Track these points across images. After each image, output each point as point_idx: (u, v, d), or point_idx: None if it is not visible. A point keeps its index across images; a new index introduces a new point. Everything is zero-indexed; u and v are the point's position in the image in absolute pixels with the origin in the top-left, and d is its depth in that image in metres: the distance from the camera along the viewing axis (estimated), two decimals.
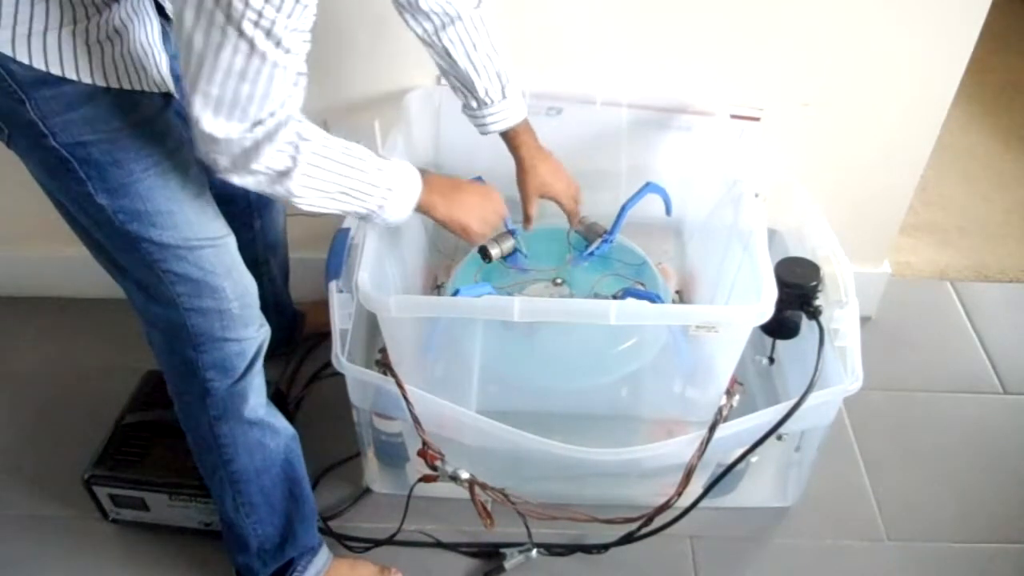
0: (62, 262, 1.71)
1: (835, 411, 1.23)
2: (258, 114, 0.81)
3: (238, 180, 0.86)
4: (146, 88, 0.89)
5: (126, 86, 0.87)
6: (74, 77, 0.82)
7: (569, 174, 1.29)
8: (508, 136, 1.22)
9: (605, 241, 1.37)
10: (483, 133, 1.22)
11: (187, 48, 0.76)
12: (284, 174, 0.86)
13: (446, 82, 1.20)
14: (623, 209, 1.36)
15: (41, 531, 1.37)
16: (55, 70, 0.81)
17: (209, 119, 0.79)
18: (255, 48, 0.75)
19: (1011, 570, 1.34)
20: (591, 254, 1.37)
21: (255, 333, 1.06)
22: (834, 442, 1.47)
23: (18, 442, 1.51)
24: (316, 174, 0.89)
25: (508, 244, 1.34)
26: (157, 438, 1.33)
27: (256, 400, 1.10)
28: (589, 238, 1.39)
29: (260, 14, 0.73)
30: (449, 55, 1.13)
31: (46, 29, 0.80)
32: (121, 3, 0.86)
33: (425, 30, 1.12)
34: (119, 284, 1.01)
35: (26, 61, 0.80)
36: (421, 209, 1.04)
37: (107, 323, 1.71)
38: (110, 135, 0.86)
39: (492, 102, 1.17)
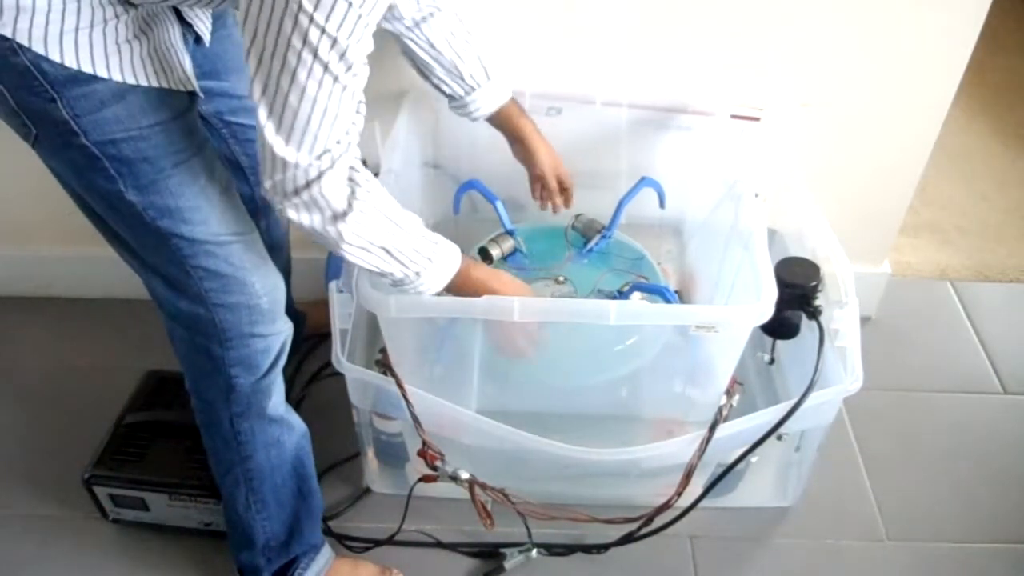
0: (62, 262, 1.71)
1: (835, 411, 1.23)
2: (327, 141, 0.83)
3: (294, 215, 0.87)
4: (173, 86, 0.90)
5: (154, 84, 0.88)
6: (105, 75, 0.83)
7: None
8: (504, 116, 1.25)
9: (603, 237, 1.37)
10: (474, 119, 1.24)
11: (264, 74, 0.78)
12: (340, 216, 0.88)
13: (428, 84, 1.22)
14: (620, 204, 1.37)
15: (41, 531, 1.37)
16: (87, 68, 0.82)
17: (282, 144, 0.81)
18: (329, 71, 0.77)
19: (1011, 570, 1.34)
20: (590, 251, 1.38)
21: (280, 329, 1.07)
22: (834, 442, 1.46)
23: (18, 442, 1.51)
24: (369, 223, 0.90)
25: (508, 244, 1.34)
26: (157, 438, 1.33)
27: (278, 397, 1.11)
28: (587, 235, 1.39)
29: (335, 40, 0.75)
30: (433, 46, 1.16)
31: (78, 28, 0.81)
32: (144, 5, 0.87)
33: (407, 25, 1.14)
34: (144, 280, 1.01)
35: (58, 59, 0.81)
36: (453, 289, 1.04)
37: (107, 323, 1.71)
38: (140, 132, 0.87)
39: (479, 85, 1.20)
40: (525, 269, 1.35)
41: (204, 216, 0.94)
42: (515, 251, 1.35)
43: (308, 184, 0.84)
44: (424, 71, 1.20)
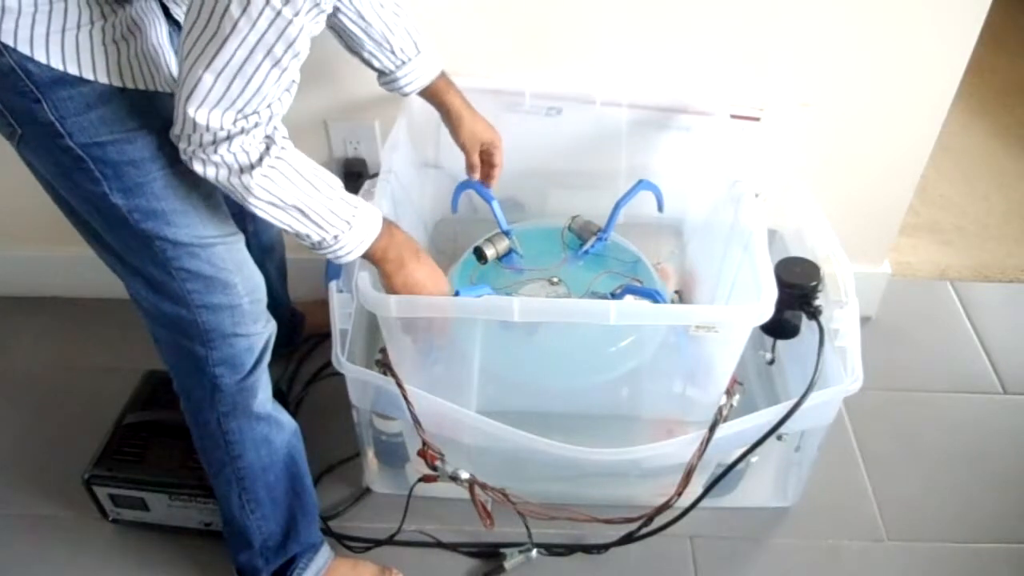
0: (62, 262, 1.71)
1: (835, 411, 1.23)
2: (245, 110, 0.82)
3: (199, 168, 0.86)
4: (159, 88, 0.90)
5: (140, 86, 0.87)
6: (91, 77, 0.83)
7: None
8: (433, 91, 1.23)
9: (599, 239, 1.37)
10: (404, 94, 1.22)
11: (197, 31, 0.76)
12: (246, 169, 0.86)
13: (357, 59, 1.20)
14: (617, 207, 1.36)
15: (41, 531, 1.37)
16: (72, 70, 0.82)
17: (196, 104, 0.80)
18: (263, 44, 0.76)
19: (1011, 570, 1.34)
20: (586, 252, 1.37)
21: (263, 328, 1.07)
22: (834, 442, 1.47)
23: (18, 442, 1.51)
24: (278, 180, 0.88)
25: (503, 244, 1.34)
26: (157, 438, 1.33)
27: (264, 395, 1.11)
28: (583, 237, 1.38)
29: (279, 13, 0.75)
30: (363, 16, 1.12)
31: (64, 29, 0.81)
32: (132, 4, 0.86)
33: None
34: (125, 283, 1.01)
35: (44, 61, 0.80)
36: (371, 256, 1.02)
37: (107, 323, 1.71)
38: (126, 135, 0.87)
39: (409, 59, 1.18)
40: (520, 270, 1.34)
41: (189, 219, 0.94)
42: (510, 251, 1.35)
43: (215, 144, 0.83)
44: (353, 44, 1.17)
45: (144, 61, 0.88)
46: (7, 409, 1.57)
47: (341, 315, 1.14)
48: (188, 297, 0.98)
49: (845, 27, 1.35)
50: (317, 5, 0.77)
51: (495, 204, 1.34)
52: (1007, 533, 1.38)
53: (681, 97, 1.40)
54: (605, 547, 1.31)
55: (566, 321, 1.12)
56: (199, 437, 1.13)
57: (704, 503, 1.21)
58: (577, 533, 1.33)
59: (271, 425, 1.13)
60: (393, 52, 1.17)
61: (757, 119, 1.43)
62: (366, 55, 1.18)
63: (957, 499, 1.43)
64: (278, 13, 0.75)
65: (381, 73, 1.21)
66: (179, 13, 0.96)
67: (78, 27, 0.82)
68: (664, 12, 1.34)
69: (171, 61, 0.92)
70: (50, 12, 0.80)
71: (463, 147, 1.28)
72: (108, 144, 0.86)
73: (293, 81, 0.83)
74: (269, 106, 0.83)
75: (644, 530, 1.23)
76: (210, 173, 0.86)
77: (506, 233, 1.35)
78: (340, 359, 1.14)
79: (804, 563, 1.34)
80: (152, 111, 0.89)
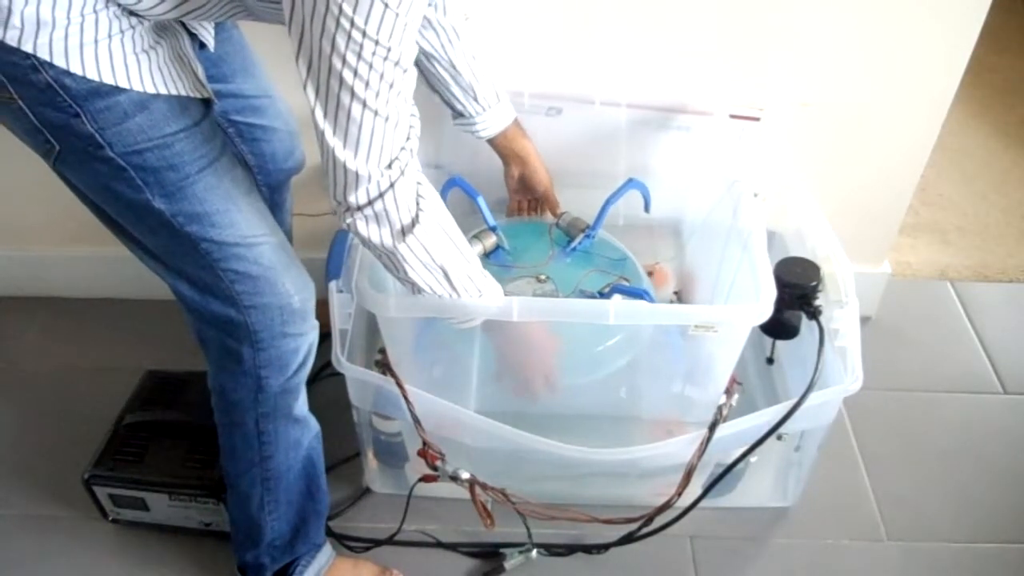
0: (62, 262, 1.71)
1: (835, 411, 1.23)
2: (392, 149, 0.85)
3: (363, 228, 0.89)
4: (191, 94, 0.91)
5: (173, 92, 0.89)
6: (127, 85, 0.84)
7: None
8: (510, 137, 1.27)
9: (587, 236, 1.36)
10: (480, 137, 1.27)
11: (315, 78, 0.79)
12: (407, 229, 0.90)
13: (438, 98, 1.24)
14: (606, 204, 1.36)
15: (41, 531, 1.37)
16: (108, 79, 0.83)
17: (351, 158, 0.83)
18: (383, 78, 0.79)
19: (1011, 570, 1.34)
20: (574, 250, 1.36)
21: (311, 328, 1.07)
22: (834, 442, 1.47)
23: (18, 442, 1.51)
24: (432, 238, 0.92)
25: (490, 241, 1.33)
26: (157, 438, 1.33)
27: (303, 397, 1.12)
28: (571, 233, 1.38)
29: (377, 43, 0.76)
30: (454, 66, 1.18)
31: (96, 39, 0.82)
32: (150, 19, 0.87)
33: (432, 45, 1.16)
34: (170, 285, 1.01)
35: (79, 72, 0.81)
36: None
37: (107, 323, 1.71)
38: (164, 140, 0.88)
39: (490, 106, 1.23)
40: (507, 267, 1.33)
41: (231, 219, 0.95)
42: (497, 248, 1.34)
43: (381, 195, 0.87)
44: (437, 86, 1.22)
45: (174, 67, 0.89)
46: (7, 409, 1.57)
47: (341, 315, 1.14)
48: (237, 298, 0.99)
49: (845, 27, 1.35)
50: (398, 17, 0.76)
51: (480, 200, 1.33)
52: (1007, 533, 1.38)
53: (680, 97, 1.40)
54: (605, 547, 1.31)
55: (565, 321, 1.12)
56: (230, 436, 1.12)
57: (704, 503, 1.21)
58: (577, 533, 1.33)
59: (303, 427, 1.14)
60: (476, 99, 1.22)
61: (757, 119, 1.43)
62: (448, 97, 1.22)
63: (957, 499, 1.43)
64: (376, 43, 0.76)
65: (459, 115, 1.25)
66: (195, 26, 0.98)
67: (109, 37, 0.82)
68: (664, 12, 1.34)
69: (197, 68, 0.93)
70: (82, 24, 0.80)
71: (545, 193, 1.35)
72: (147, 151, 0.87)
73: (413, 105, 0.87)
74: (408, 139, 0.87)
75: (644, 530, 1.23)
76: (374, 235, 0.90)
77: (492, 229, 1.34)
78: (340, 359, 1.14)
79: (804, 563, 1.34)
80: (186, 115, 0.90)
